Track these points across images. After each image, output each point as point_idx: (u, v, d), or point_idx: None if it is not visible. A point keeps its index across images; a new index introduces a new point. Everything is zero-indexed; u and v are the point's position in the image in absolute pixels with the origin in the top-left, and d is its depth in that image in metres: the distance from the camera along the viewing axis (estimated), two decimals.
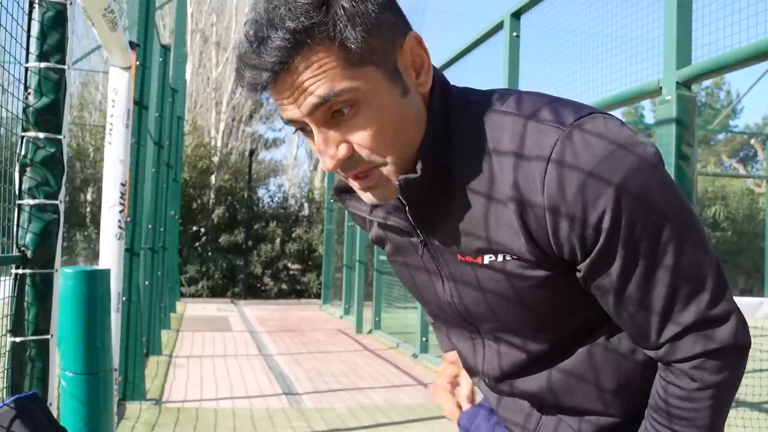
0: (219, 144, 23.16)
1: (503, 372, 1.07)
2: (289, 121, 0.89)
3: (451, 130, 0.93)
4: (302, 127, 0.90)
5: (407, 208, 0.95)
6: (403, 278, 1.12)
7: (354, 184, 0.92)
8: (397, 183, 0.90)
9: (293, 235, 16.53)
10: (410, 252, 1.04)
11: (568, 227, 0.86)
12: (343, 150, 0.87)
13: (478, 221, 0.92)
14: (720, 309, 0.89)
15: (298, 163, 27.30)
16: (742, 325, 0.90)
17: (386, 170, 0.90)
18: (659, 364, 0.94)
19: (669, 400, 0.92)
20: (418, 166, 0.90)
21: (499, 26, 5.42)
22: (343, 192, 1.05)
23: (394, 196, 0.92)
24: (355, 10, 0.83)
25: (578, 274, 0.92)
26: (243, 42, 0.86)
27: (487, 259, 0.93)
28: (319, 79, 0.83)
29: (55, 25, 2.01)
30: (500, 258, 0.92)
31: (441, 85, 0.94)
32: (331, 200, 1.09)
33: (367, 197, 0.93)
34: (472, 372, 1.15)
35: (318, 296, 14.92)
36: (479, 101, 0.94)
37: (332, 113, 0.86)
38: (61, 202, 2.04)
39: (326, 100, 0.84)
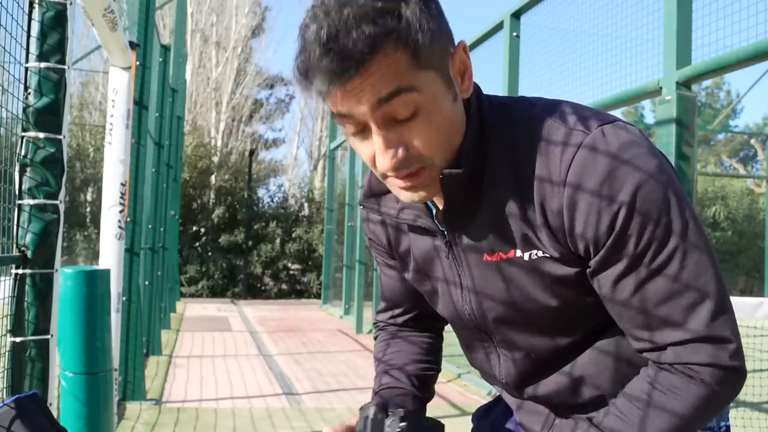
0: (219, 144, 23.18)
1: (522, 377, 1.09)
2: (349, 122, 0.90)
3: (485, 133, 0.98)
4: (359, 131, 0.91)
5: (443, 203, 0.99)
6: (423, 288, 1.15)
7: (398, 183, 0.94)
8: (441, 176, 0.94)
9: (293, 235, 16.53)
10: (433, 261, 1.09)
11: (582, 228, 0.90)
12: (401, 152, 0.90)
13: (507, 219, 0.96)
14: (718, 329, 0.89)
15: (298, 163, 27.38)
16: (740, 351, 0.91)
17: (433, 170, 0.93)
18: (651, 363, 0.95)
19: (656, 386, 0.92)
20: (462, 164, 0.95)
21: (499, 26, 5.43)
22: (371, 197, 1.11)
23: (434, 196, 0.97)
24: (423, 15, 0.87)
25: (588, 270, 0.95)
26: (311, 46, 0.85)
27: (516, 255, 0.97)
28: (389, 79, 0.86)
29: (55, 25, 2.01)
30: (527, 255, 0.96)
31: (476, 90, 1.00)
32: (360, 206, 1.14)
33: (408, 196, 0.96)
34: (491, 379, 1.17)
35: (318, 296, 14.91)
36: (509, 105, 1.00)
37: (392, 118, 0.89)
38: (61, 202, 2.04)
39: (396, 93, 0.86)
